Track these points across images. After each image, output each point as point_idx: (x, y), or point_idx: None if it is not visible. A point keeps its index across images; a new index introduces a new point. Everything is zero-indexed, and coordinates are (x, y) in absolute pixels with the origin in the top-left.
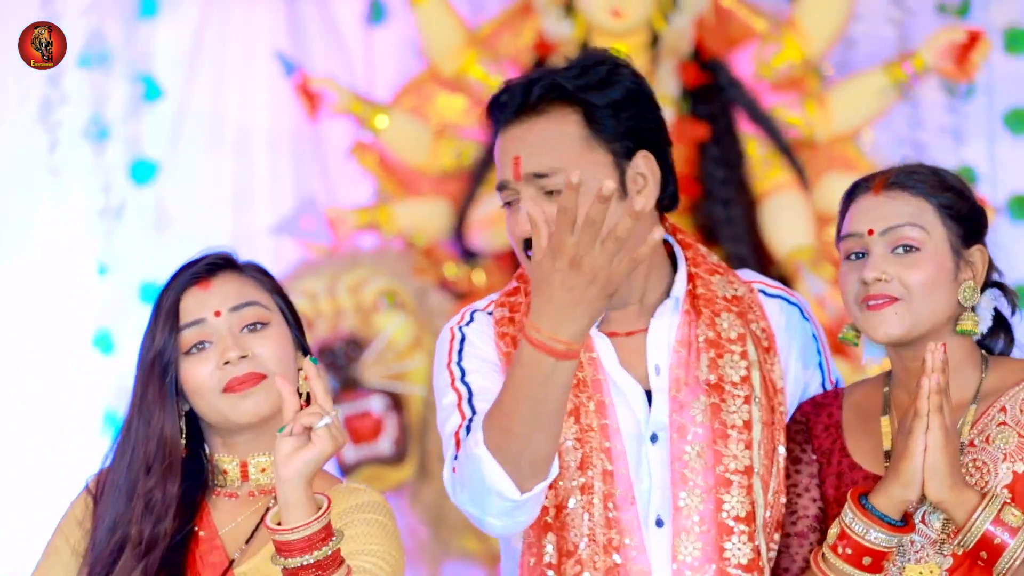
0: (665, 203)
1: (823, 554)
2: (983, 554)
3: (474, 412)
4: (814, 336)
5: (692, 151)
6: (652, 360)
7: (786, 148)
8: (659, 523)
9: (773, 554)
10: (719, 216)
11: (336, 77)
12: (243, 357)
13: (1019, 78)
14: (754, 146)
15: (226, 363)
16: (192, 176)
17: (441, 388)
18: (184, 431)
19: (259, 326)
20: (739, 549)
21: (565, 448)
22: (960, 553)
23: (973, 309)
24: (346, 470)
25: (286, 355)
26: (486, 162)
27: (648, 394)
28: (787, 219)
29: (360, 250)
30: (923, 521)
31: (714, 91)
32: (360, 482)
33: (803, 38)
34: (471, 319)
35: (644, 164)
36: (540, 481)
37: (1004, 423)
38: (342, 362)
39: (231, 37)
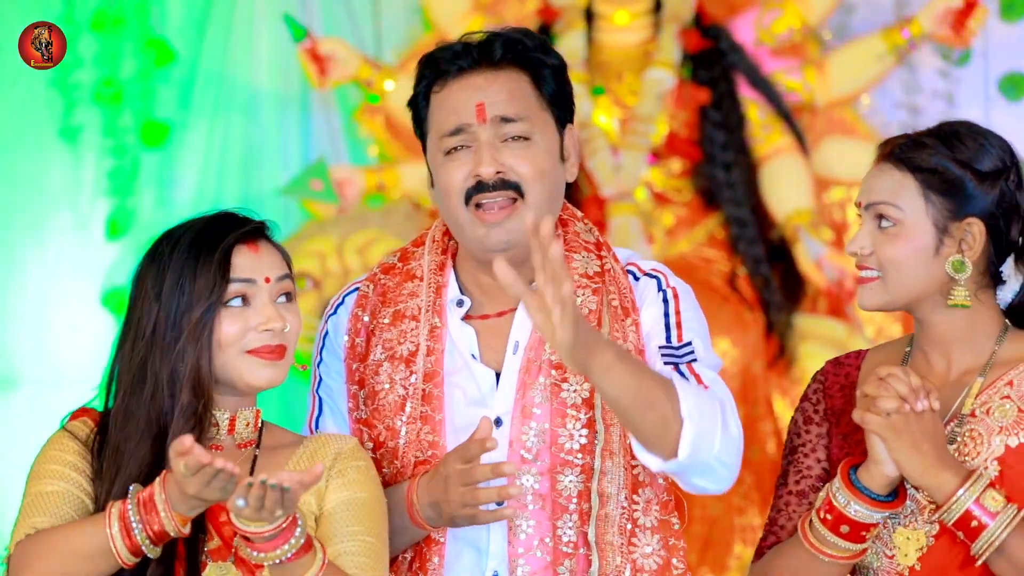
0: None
1: (810, 519)
2: (960, 533)
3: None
4: (664, 299)
5: (693, 115)
6: (513, 338)
7: (786, 113)
8: (499, 504)
9: (616, 530)
10: (720, 179)
11: (344, 41)
12: (279, 329)
13: (1014, 44)
14: (754, 110)
15: (266, 330)
16: (202, 138)
17: (311, 386)
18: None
19: (286, 299)
20: (570, 528)
21: (398, 445)
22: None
23: (999, 277)
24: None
25: (300, 330)
26: None
27: (498, 377)
28: (786, 182)
29: (368, 211)
30: (915, 487)
31: (715, 56)
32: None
33: (803, 4)
34: (341, 302)
35: (571, 138)
36: None
37: (1008, 396)
38: None
39: (241, 2)
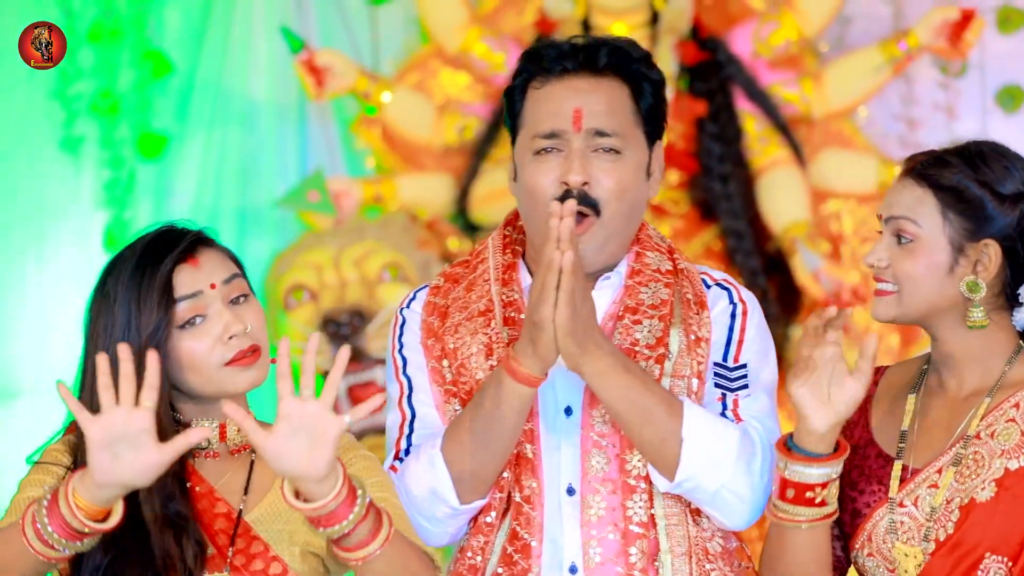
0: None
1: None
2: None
3: (413, 412)
4: (732, 315)
5: (690, 127)
6: None
7: (783, 125)
8: (570, 491)
9: (681, 510)
10: (717, 191)
11: (341, 53)
12: (246, 333)
13: (1011, 56)
14: (751, 123)
15: (231, 337)
16: (199, 149)
17: (389, 374)
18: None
19: (243, 298)
20: (640, 507)
21: None
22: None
23: (1016, 298)
24: None
25: (265, 323)
26: (488, 137)
27: None
28: (783, 195)
29: (365, 223)
30: (915, 504)
31: (712, 68)
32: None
33: (800, 16)
34: (413, 298)
35: (659, 155)
36: (479, 497)
37: (1013, 420)
38: (346, 332)
39: (238, 14)
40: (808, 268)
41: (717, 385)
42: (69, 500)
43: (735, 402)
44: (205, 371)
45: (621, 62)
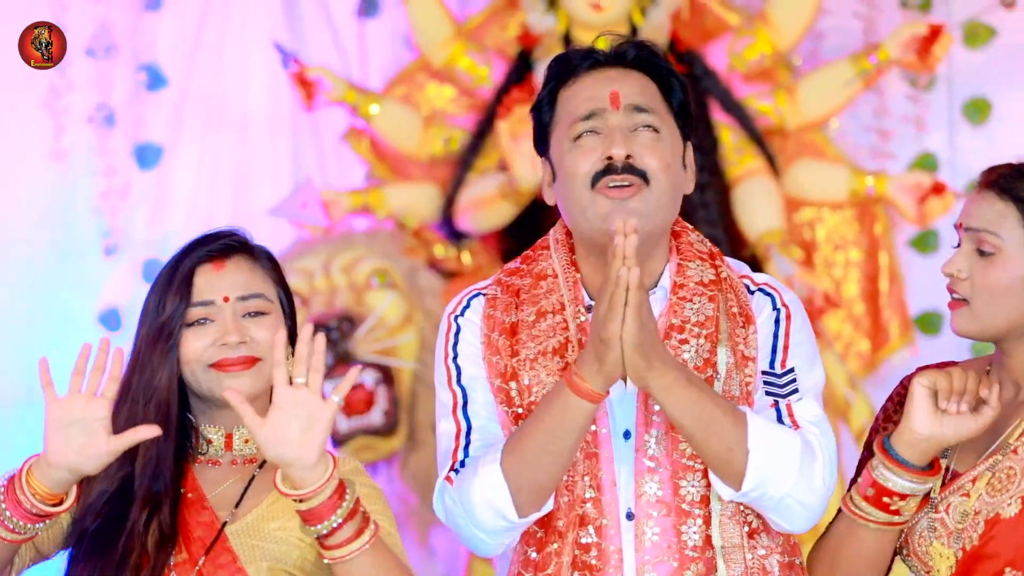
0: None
1: (850, 495)
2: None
3: (469, 424)
4: (776, 321)
5: None
6: None
7: (757, 136)
8: (629, 516)
9: (738, 532)
10: (694, 200)
11: (331, 66)
12: (241, 343)
13: (978, 70)
14: (727, 134)
15: (223, 344)
16: (194, 160)
17: (440, 381)
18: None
19: (259, 315)
20: (695, 532)
21: None
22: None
23: None
24: (339, 440)
25: (273, 340)
26: (473, 148)
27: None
28: (758, 204)
29: (353, 231)
30: (947, 511)
31: (689, 81)
32: (353, 451)
33: (774, 31)
34: (467, 306)
35: (690, 153)
36: (536, 511)
37: None
38: (336, 338)
39: (231, 28)
40: (782, 274)
41: (768, 393)
42: (23, 482)
43: (788, 407)
44: (194, 368)
45: (648, 59)
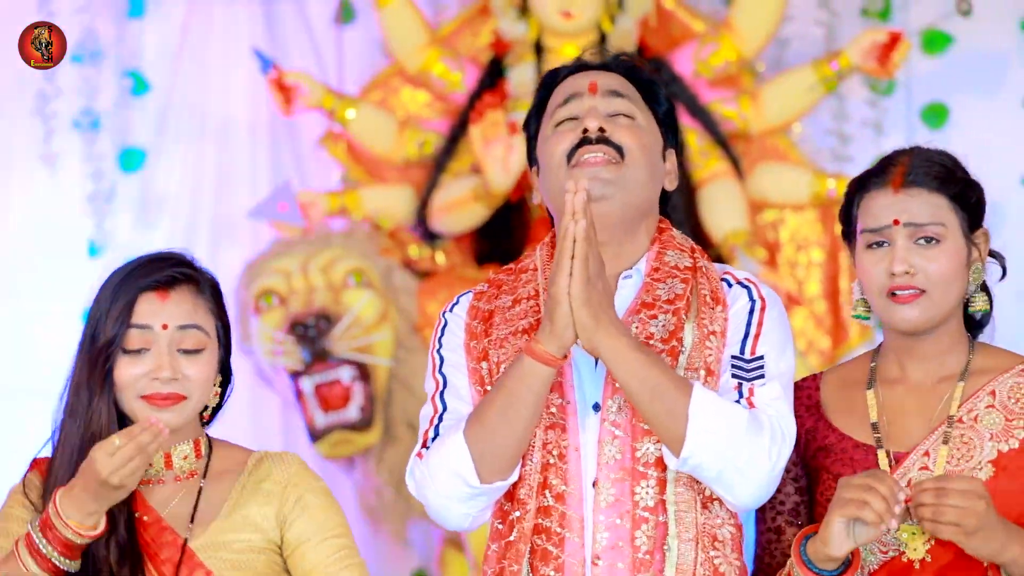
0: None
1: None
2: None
3: (445, 406)
4: (751, 311)
5: None
6: None
7: (722, 140)
8: (594, 484)
9: (692, 498)
10: (662, 203)
11: (309, 72)
12: (173, 379)
13: (935, 76)
14: (693, 138)
15: (155, 379)
16: (177, 163)
17: (428, 370)
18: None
19: (194, 353)
20: (647, 493)
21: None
22: None
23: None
24: (316, 435)
25: (209, 379)
26: (447, 151)
27: (596, 361)
28: (723, 205)
29: (331, 232)
30: (909, 486)
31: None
32: (330, 446)
33: (738, 38)
34: (456, 302)
35: (672, 160)
36: (500, 479)
37: (992, 406)
38: (313, 335)
39: (213, 35)
40: (742, 273)
41: (734, 376)
42: (63, 522)
43: (751, 390)
44: (127, 395)
45: (634, 71)
